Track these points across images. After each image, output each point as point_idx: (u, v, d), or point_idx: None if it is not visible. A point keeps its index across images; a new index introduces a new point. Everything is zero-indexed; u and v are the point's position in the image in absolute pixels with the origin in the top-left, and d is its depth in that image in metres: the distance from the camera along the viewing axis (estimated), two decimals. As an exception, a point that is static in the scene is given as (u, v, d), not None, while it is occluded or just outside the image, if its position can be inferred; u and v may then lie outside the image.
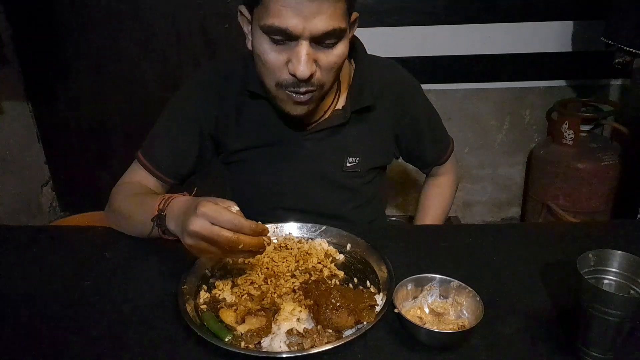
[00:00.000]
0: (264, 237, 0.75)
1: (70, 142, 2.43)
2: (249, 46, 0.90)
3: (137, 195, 0.97)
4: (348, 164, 1.05)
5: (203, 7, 2.16)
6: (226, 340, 0.69)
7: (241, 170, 1.09)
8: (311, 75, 0.83)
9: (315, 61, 0.84)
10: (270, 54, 0.83)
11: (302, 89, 0.86)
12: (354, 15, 0.89)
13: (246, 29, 0.90)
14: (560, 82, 2.29)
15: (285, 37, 0.80)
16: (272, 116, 1.00)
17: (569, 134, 2.10)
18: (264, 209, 1.07)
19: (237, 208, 0.75)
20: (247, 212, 1.01)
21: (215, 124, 1.04)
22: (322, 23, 0.78)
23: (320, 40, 0.82)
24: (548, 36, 2.17)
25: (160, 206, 0.84)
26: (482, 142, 2.41)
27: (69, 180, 2.50)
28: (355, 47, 1.03)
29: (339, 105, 1.03)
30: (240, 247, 0.72)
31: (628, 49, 1.77)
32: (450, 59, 2.21)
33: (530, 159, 2.37)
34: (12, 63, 2.21)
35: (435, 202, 1.25)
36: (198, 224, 0.71)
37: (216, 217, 0.71)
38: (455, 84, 2.27)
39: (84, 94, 2.33)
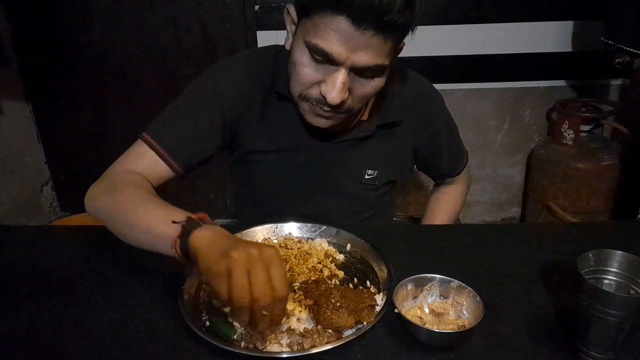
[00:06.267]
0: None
1: (70, 142, 2.43)
2: (287, 46, 0.87)
3: (154, 201, 0.80)
4: (366, 177, 1.04)
5: (203, 7, 2.16)
6: (235, 337, 0.69)
7: (255, 171, 1.05)
8: (342, 102, 0.81)
9: (349, 88, 0.82)
10: (307, 69, 0.81)
11: (326, 108, 0.84)
12: (401, 44, 0.86)
13: (289, 27, 0.86)
14: (560, 82, 2.29)
15: (325, 60, 0.78)
16: (297, 121, 0.97)
17: (569, 134, 2.10)
18: (272, 212, 1.04)
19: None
20: (254, 214, 1.00)
21: (237, 119, 0.98)
22: (366, 57, 0.76)
23: (360, 72, 0.80)
24: (548, 36, 2.17)
25: (185, 224, 0.70)
26: (482, 142, 2.41)
27: (69, 180, 2.51)
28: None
29: (364, 117, 1.00)
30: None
31: (628, 49, 1.77)
32: (450, 59, 2.21)
33: (530, 159, 2.37)
34: (12, 63, 2.21)
35: (443, 209, 1.23)
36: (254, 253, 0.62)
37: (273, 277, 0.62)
38: (455, 84, 2.27)
39: (84, 94, 2.33)
